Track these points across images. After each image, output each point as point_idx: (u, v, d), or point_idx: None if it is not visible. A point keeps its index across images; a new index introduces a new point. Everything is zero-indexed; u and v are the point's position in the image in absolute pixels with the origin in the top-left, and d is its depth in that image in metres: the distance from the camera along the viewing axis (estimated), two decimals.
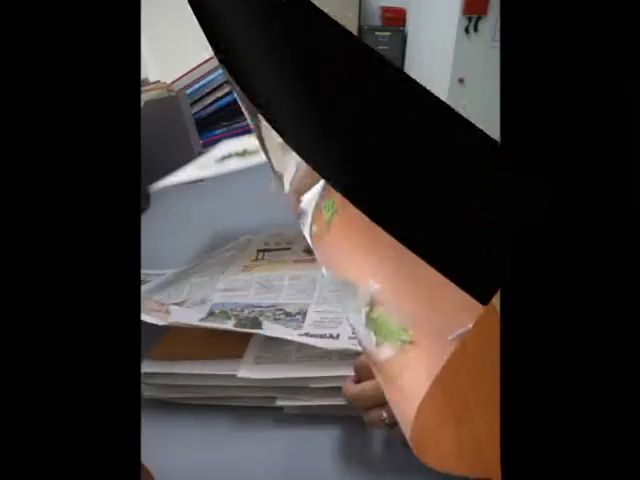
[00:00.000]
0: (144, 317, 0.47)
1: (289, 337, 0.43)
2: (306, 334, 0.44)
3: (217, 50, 0.31)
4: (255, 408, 0.43)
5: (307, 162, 0.27)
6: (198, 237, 0.84)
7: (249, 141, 0.65)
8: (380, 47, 2.64)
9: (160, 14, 1.48)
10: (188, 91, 1.37)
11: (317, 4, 0.20)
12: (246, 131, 1.37)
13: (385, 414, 0.35)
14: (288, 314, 0.48)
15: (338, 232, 0.28)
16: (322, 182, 0.28)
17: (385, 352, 0.26)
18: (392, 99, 0.20)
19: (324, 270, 0.31)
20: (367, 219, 0.23)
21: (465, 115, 0.18)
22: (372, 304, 0.26)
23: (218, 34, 0.30)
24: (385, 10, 2.80)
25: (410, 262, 0.22)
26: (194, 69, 1.39)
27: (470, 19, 2.17)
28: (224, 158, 0.60)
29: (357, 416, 0.37)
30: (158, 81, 1.39)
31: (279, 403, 0.42)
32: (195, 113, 1.37)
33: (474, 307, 0.20)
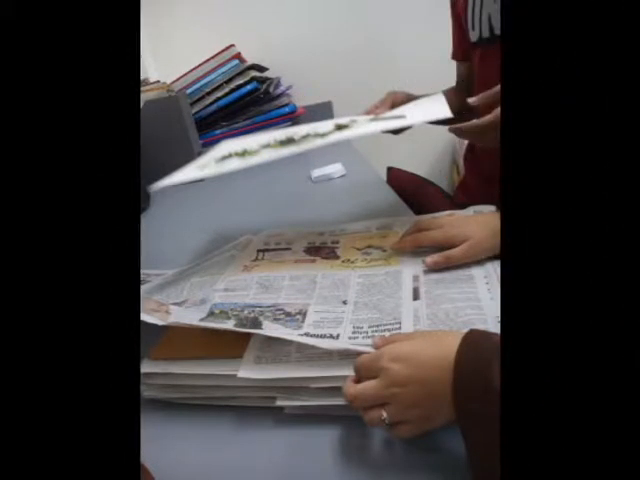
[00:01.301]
0: (144, 317, 0.47)
1: (289, 337, 0.43)
2: (306, 334, 0.44)
3: None
4: (255, 408, 0.43)
5: None
6: (198, 237, 0.84)
7: (249, 141, 0.64)
8: None
9: (161, 14, 1.49)
10: (188, 91, 1.37)
11: None
12: (246, 131, 1.37)
13: (385, 414, 0.35)
14: (288, 314, 0.48)
15: None
16: None
17: None
18: None
19: None
20: None
21: None
22: None
23: None
24: None
25: None
26: (194, 69, 1.39)
27: None
28: (224, 158, 0.60)
29: (357, 416, 0.37)
30: (158, 81, 1.39)
31: (279, 403, 0.42)
32: (195, 113, 1.37)
33: None
